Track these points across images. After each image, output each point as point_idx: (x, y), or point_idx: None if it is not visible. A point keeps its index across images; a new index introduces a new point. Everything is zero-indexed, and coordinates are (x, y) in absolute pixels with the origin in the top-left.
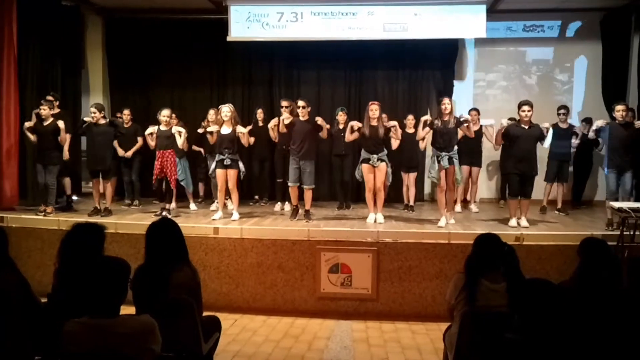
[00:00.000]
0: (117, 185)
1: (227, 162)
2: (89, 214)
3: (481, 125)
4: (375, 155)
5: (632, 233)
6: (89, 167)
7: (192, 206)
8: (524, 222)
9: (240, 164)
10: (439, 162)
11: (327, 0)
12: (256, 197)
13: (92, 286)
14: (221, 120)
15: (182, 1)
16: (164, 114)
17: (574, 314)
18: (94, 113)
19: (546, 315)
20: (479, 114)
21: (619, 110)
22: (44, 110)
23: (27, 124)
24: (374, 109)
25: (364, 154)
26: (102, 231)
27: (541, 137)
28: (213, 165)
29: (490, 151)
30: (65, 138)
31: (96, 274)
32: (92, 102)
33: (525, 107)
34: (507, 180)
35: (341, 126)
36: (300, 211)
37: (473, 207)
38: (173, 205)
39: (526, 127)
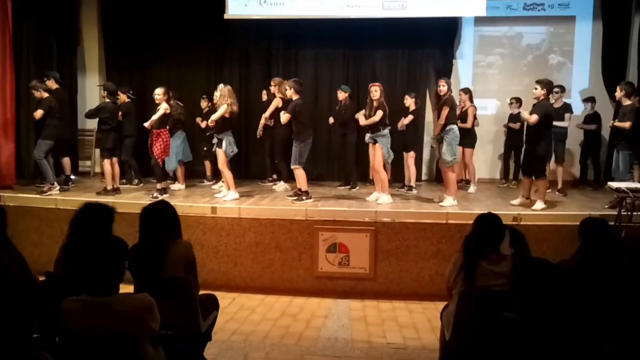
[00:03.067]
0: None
1: (214, 141)
2: (99, 193)
3: (470, 106)
4: (368, 134)
5: (629, 213)
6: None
7: (177, 186)
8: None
9: (224, 144)
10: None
11: None
12: (274, 176)
13: (90, 264)
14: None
15: None
16: (157, 92)
17: (574, 293)
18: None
19: (546, 295)
20: (466, 93)
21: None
22: (35, 95)
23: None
24: (372, 91)
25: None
26: (112, 212)
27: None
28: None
29: (487, 132)
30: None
31: (94, 253)
32: (89, 79)
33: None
34: (541, 160)
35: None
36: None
37: (471, 188)
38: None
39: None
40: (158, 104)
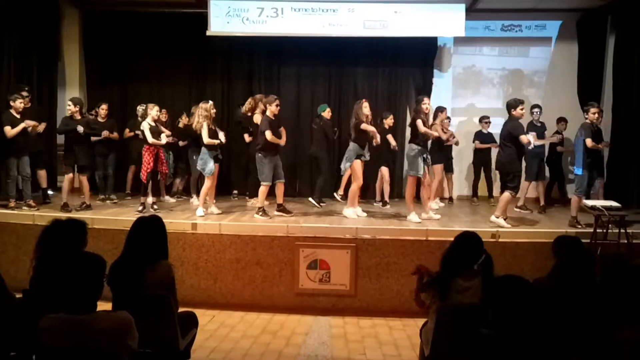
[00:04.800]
0: (90, 180)
1: (220, 156)
2: (61, 208)
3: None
4: (368, 152)
5: (604, 231)
6: (66, 162)
7: (169, 199)
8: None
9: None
10: (424, 160)
11: None
12: (235, 192)
13: (68, 282)
14: (212, 115)
15: None
16: (157, 109)
17: (549, 310)
18: (69, 106)
19: (519, 311)
20: (444, 112)
21: (595, 113)
22: (20, 103)
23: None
24: (367, 106)
25: (357, 150)
26: (84, 227)
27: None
28: (211, 162)
29: (465, 149)
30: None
31: (72, 270)
32: (69, 95)
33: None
34: (516, 179)
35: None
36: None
37: (433, 205)
38: (150, 199)
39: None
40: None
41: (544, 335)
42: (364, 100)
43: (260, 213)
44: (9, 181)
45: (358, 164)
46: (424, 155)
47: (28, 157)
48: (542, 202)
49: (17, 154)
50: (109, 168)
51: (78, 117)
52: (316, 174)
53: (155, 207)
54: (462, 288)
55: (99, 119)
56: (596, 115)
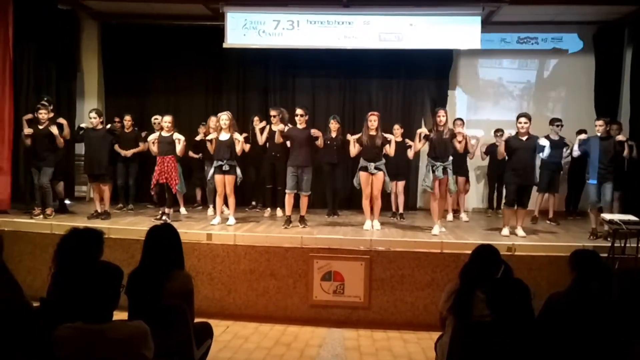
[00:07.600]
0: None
1: (226, 167)
2: (89, 217)
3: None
4: (372, 164)
5: (622, 245)
6: (86, 171)
7: (183, 210)
8: (520, 231)
9: (238, 170)
10: (433, 172)
11: (324, 9)
12: (253, 202)
13: (84, 291)
14: (219, 127)
15: (179, 7)
16: (167, 120)
17: (564, 323)
18: (94, 118)
19: (526, 319)
20: (463, 124)
21: (597, 125)
22: (42, 114)
23: (27, 131)
24: (372, 120)
25: (362, 162)
26: (101, 236)
27: (539, 149)
28: (211, 171)
29: (478, 161)
30: (62, 142)
31: (89, 280)
32: (87, 106)
33: (522, 119)
34: (505, 189)
35: (333, 134)
36: (294, 217)
37: (463, 216)
38: (169, 210)
39: (524, 139)
40: (168, 131)
41: (559, 350)
42: (370, 113)
43: (284, 223)
44: (35, 190)
45: (363, 177)
46: (432, 167)
47: (48, 169)
48: (550, 214)
49: (33, 164)
50: (130, 178)
51: (100, 127)
52: (328, 185)
53: (164, 217)
54: (480, 300)
55: (125, 130)
56: (598, 127)
